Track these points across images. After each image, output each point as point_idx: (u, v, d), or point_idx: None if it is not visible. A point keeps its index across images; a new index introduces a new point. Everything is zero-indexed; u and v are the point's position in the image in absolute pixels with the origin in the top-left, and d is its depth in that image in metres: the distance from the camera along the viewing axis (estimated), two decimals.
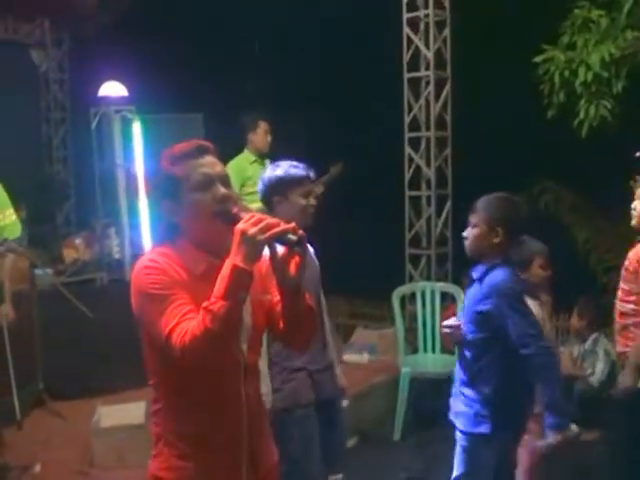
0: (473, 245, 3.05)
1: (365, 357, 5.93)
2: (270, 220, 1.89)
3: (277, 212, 3.15)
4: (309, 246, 3.28)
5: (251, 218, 1.88)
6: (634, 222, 3.42)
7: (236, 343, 2.02)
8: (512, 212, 3.01)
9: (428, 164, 6.01)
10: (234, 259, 1.85)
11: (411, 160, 6.08)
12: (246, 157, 5.74)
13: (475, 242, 3.04)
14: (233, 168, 5.71)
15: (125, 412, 4.14)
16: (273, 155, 5.95)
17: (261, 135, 5.72)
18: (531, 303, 3.47)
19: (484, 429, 2.99)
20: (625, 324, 3.43)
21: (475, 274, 3.05)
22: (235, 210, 1.99)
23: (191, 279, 2.00)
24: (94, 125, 5.98)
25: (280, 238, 1.90)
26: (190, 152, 2.05)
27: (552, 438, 2.89)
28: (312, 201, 3.19)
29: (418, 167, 6.05)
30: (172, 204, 2.04)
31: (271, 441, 2.27)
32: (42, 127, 8.47)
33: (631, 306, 3.39)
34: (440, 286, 5.53)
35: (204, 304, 1.86)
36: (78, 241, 6.53)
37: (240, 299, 1.87)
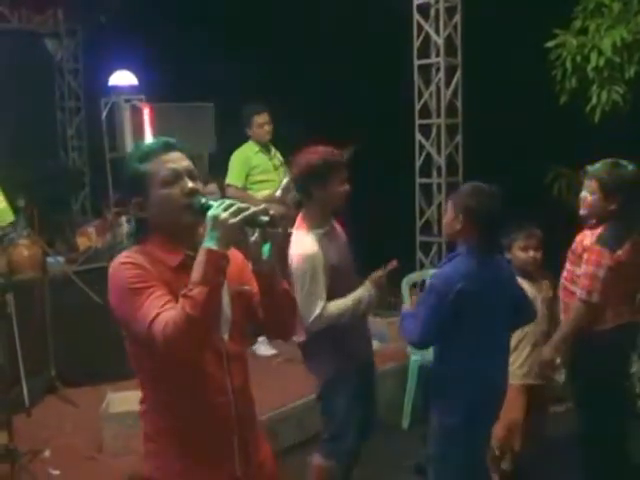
0: (445, 232, 3.18)
1: (375, 344, 5.91)
2: (240, 204, 1.92)
3: (315, 198, 3.22)
4: (339, 228, 3.42)
5: (221, 204, 1.92)
6: (582, 212, 3.50)
7: (216, 334, 2.04)
8: (476, 202, 3.01)
9: (439, 151, 5.99)
10: (208, 244, 1.88)
11: (422, 147, 6.06)
12: (250, 147, 5.77)
13: (445, 229, 3.24)
14: (238, 158, 5.74)
15: (134, 399, 4.15)
16: (282, 142, 5.97)
17: (256, 129, 5.74)
18: (522, 281, 3.56)
19: None
20: (569, 303, 3.51)
21: (440, 263, 3.25)
22: (203, 201, 2.01)
23: (168, 272, 2.02)
24: (104, 114, 6.00)
25: (252, 220, 1.93)
26: (157, 149, 2.09)
27: None
28: (347, 187, 3.23)
29: (429, 154, 6.03)
30: (142, 200, 2.07)
31: (262, 432, 2.28)
32: (57, 116, 8.54)
33: (576, 287, 3.46)
34: None
35: (182, 291, 1.88)
36: (91, 229, 6.57)
37: (218, 283, 1.90)
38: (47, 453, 4.05)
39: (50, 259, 5.28)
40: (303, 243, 3.18)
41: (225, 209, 1.90)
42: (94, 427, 4.13)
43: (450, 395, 3.12)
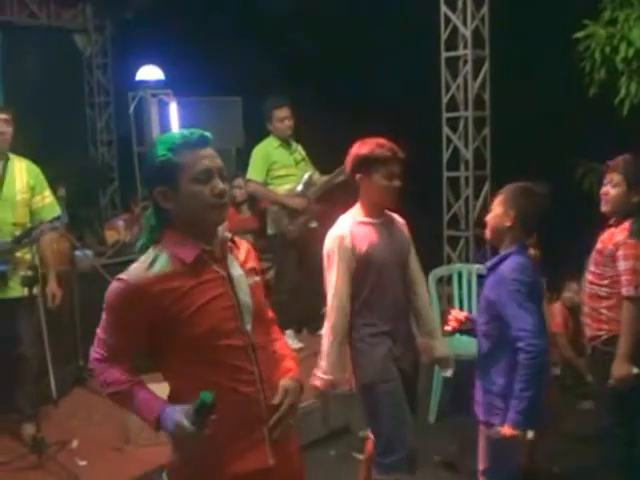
0: (489, 228, 3.06)
1: None
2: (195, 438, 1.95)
3: (361, 190, 3.19)
4: (399, 220, 3.34)
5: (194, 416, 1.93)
6: (605, 208, 3.41)
7: (238, 326, 2.07)
8: (529, 202, 2.95)
9: (466, 144, 5.94)
10: (163, 417, 2.00)
11: (449, 141, 6.02)
12: (270, 142, 5.77)
13: (490, 225, 3.05)
14: (258, 153, 5.75)
15: (160, 390, 4.19)
16: (306, 138, 5.97)
17: (277, 124, 5.74)
18: None
19: (496, 420, 2.96)
20: (596, 307, 3.41)
21: (489, 263, 3.06)
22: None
23: (183, 268, 2.03)
24: (132, 109, 6.05)
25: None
26: (192, 141, 2.05)
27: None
28: (396, 183, 3.15)
29: (456, 148, 5.99)
30: (168, 191, 2.05)
31: (293, 425, 2.24)
32: (86, 112, 8.62)
33: (605, 289, 3.36)
34: (477, 268, 5.46)
35: (123, 379, 2.07)
36: (119, 223, 6.64)
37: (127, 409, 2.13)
38: (75, 444, 4.10)
39: (78, 253, 5.34)
40: (337, 227, 3.19)
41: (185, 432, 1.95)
42: (121, 418, 4.16)
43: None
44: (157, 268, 2.03)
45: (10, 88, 7.40)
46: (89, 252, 5.59)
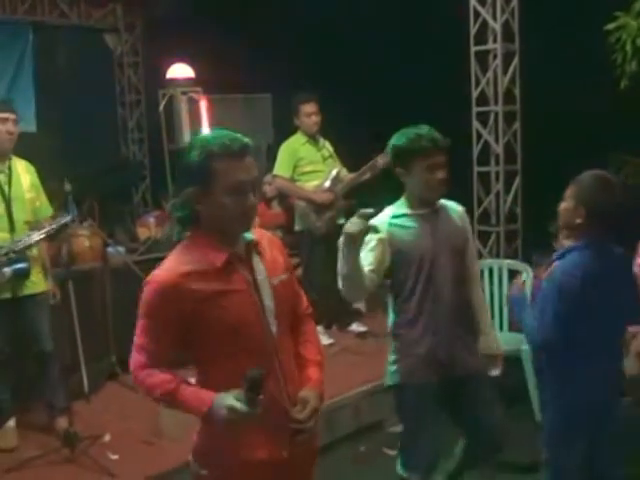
0: (561, 220, 2.94)
1: None
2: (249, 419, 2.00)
3: (403, 181, 3.07)
4: (456, 208, 3.21)
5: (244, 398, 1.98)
6: None
7: (262, 329, 2.13)
8: (602, 197, 2.80)
9: (497, 139, 5.90)
10: (216, 404, 2.02)
11: (479, 135, 5.98)
12: (297, 139, 5.78)
13: (562, 217, 2.93)
14: (285, 150, 5.76)
15: None
16: (335, 134, 5.96)
17: (303, 119, 5.74)
18: None
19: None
20: None
21: (555, 255, 2.94)
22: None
23: (213, 271, 2.08)
24: (161, 107, 6.09)
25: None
26: (232, 151, 2.05)
27: None
28: (440, 174, 2.98)
29: (486, 142, 5.95)
30: (201, 193, 2.07)
31: (315, 426, 2.27)
32: (117, 110, 8.70)
33: None
34: (508, 264, 5.42)
35: (173, 381, 2.10)
36: (151, 220, 6.71)
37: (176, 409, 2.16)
38: (107, 438, 4.14)
39: (110, 249, 5.40)
40: (378, 218, 3.03)
41: (234, 414, 1.99)
42: (153, 413, 4.19)
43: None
44: (188, 266, 2.07)
45: (42, 87, 7.50)
46: (121, 249, 5.65)
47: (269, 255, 2.20)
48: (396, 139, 3.05)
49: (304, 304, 2.38)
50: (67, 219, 4.13)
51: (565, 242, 3.71)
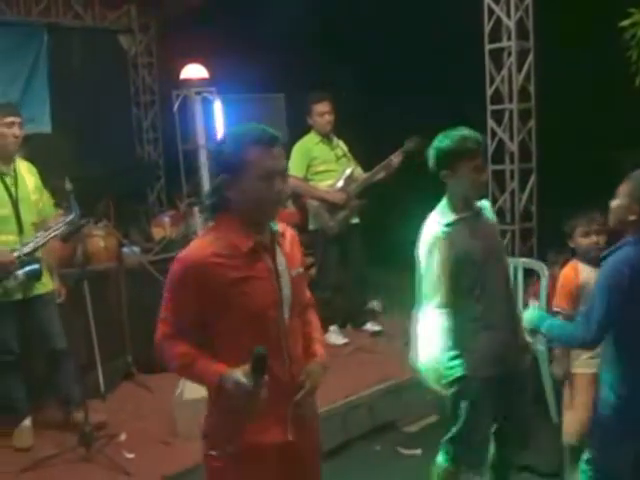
0: (614, 217, 2.96)
1: None
2: (253, 397, 2.10)
3: (447, 184, 3.09)
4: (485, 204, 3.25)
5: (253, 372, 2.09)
6: None
7: (277, 315, 2.26)
8: None
9: (511, 137, 5.86)
10: (224, 378, 2.13)
11: (494, 133, 5.95)
12: (311, 138, 5.79)
13: (615, 214, 2.95)
14: (299, 150, 5.77)
15: (196, 391, 4.23)
16: (349, 133, 5.96)
17: (316, 118, 5.75)
18: (589, 270, 3.51)
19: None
20: None
21: (605, 252, 2.99)
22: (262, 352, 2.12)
23: (238, 256, 2.20)
24: (176, 107, 6.11)
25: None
26: (262, 140, 2.19)
27: None
28: (485, 177, 3.13)
29: (501, 140, 5.92)
30: (232, 180, 2.21)
31: (314, 403, 2.45)
32: (132, 110, 8.73)
33: None
34: (524, 262, 5.39)
35: (188, 357, 2.21)
36: (166, 220, 6.74)
37: (192, 379, 2.31)
38: (123, 437, 4.16)
39: (126, 249, 5.42)
40: (431, 231, 3.07)
41: (240, 396, 2.11)
42: (169, 412, 4.22)
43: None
44: (215, 249, 2.20)
45: (57, 88, 7.54)
46: (136, 249, 5.67)
47: (289, 248, 2.33)
48: (439, 142, 3.07)
49: (308, 295, 2.55)
50: (70, 217, 4.13)
51: (582, 241, 3.70)
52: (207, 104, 6.15)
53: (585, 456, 3.19)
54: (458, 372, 3.13)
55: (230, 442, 2.25)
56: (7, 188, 4.11)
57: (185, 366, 2.22)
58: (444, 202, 3.16)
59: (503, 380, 3.10)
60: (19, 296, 4.10)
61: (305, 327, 2.47)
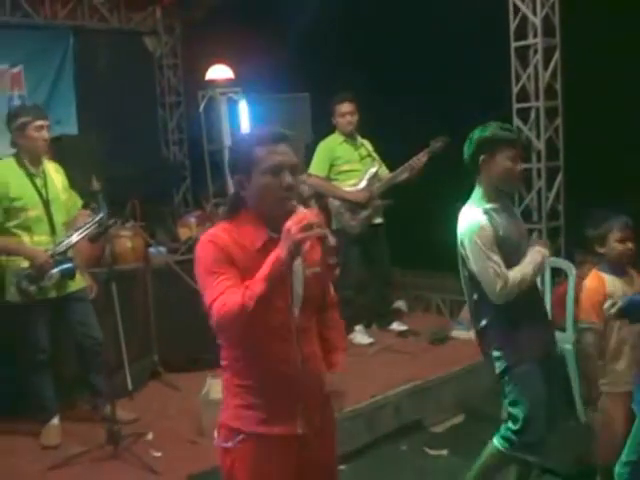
0: None
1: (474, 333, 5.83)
2: (312, 220, 2.10)
3: (483, 172, 3.18)
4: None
5: (298, 218, 2.11)
6: None
7: (288, 311, 2.28)
8: None
9: (538, 135, 5.82)
10: (279, 251, 2.10)
11: (520, 132, 5.89)
12: (335, 138, 5.81)
13: None
14: (322, 149, 5.79)
15: (214, 386, 4.25)
16: (373, 132, 5.94)
17: (339, 118, 5.77)
18: (614, 279, 3.45)
19: None
20: None
21: None
22: (293, 204, 2.20)
23: (249, 253, 2.23)
24: (201, 108, 6.14)
25: (320, 239, 2.17)
26: (268, 138, 2.27)
27: None
28: (520, 166, 3.17)
29: (528, 139, 5.87)
30: (244, 179, 2.28)
31: (327, 399, 2.45)
32: (158, 111, 8.78)
33: None
34: (551, 262, 5.33)
35: (247, 282, 2.13)
36: (192, 220, 6.75)
37: (274, 285, 2.11)
38: (150, 436, 4.19)
39: (152, 249, 5.46)
40: (471, 217, 3.17)
41: (297, 223, 2.09)
42: (195, 411, 4.24)
43: None
44: (235, 236, 2.24)
45: (83, 90, 7.61)
46: (162, 249, 5.71)
47: (308, 246, 2.27)
48: (481, 130, 3.19)
49: (331, 294, 2.58)
50: (99, 217, 4.19)
51: (617, 247, 3.57)
52: (232, 104, 6.17)
53: (623, 459, 3.15)
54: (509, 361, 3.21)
55: (242, 435, 2.29)
56: (38, 189, 4.18)
57: (250, 295, 2.09)
58: (477, 193, 3.24)
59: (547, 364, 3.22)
60: (53, 294, 4.18)
61: (327, 331, 2.52)
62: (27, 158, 4.19)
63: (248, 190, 2.27)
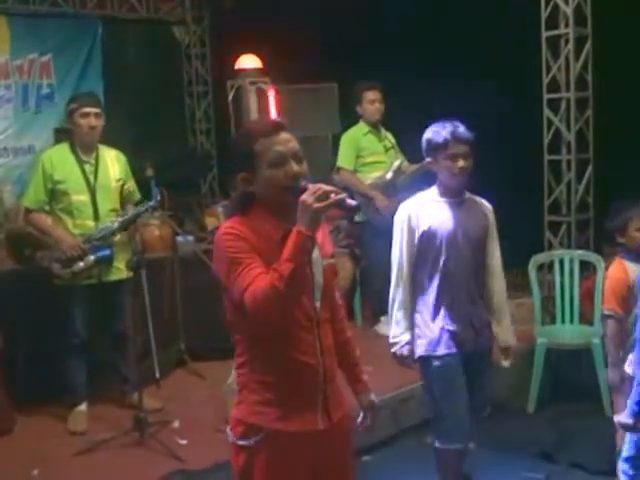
0: None
1: None
2: (327, 189, 2.08)
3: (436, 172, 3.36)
4: (484, 204, 3.47)
5: (312, 190, 2.08)
6: None
7: (309, 301, 2.26)
8: None
9: (568, 127, 5.74)
10: (298, 226, 2.08)
11: (550, 123, 5.83)
12: (360, 128, 5.77)
13: None
14: (347, 140, 5.75)
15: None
16: (399, 123, 5.90)
17: (366, 106, 5.71)
18: (636, 267, 3.45)
19: None
20: None
21: None
22: (303, 184, 2.15)
23: (270, 244, 2.18)
24: (230, 97, 6.15)
25: (338, 205, 2.10)
26: (267, 129, 2.25)
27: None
28: (460, 163, 3.25)
29: (557, 130, 5.80)
30: (249, 176, 2.24)
31: (343, 391, 2.44)
32: (185, 101, 8.80)
33: None
34: (579, 254, 5.29)
35: (274, 265, 2.08)
36: (219, 209, 6.77)
37: (302, 261, 2.08)
38: (176, 424, 4.22)
39: (180, 238, 5.48)
40: (407, 202, 3.43)
41: (313, 194, 2.06)
42: (221, 400, 4.25)
43: None
44: (253, 230, 2.19)
45: (111, 80, 7.64)
46: (190, 238, 5.73)
47: (321, 238, 2.31)
48: (426, 132, 3.35)
49: (338, 293, 2.53)
50: (151, 204, 4.33)
51: (637, 236, 3.57)
52: (261, 94, 6.17)
53: (624, 454, 3.15)
54: (416, 352, 3.40)
55: (258, 431, 2.24)
56: (86, 176, 4.30)
57: (280, 277, 2.05)
58: (434, 185, 3.42)
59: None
60: (93, 280, 4.23)
61: (340, 331, 2.47)
62: (78, 144, 4.34)
63: (256, 186, 2.23)
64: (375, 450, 4.25)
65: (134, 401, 4.22)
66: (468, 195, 3.44)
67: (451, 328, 3.31)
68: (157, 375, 4.54)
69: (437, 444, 3.44)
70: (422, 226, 3.31)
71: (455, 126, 3.27)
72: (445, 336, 3.31)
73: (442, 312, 3.32)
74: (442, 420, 3.37)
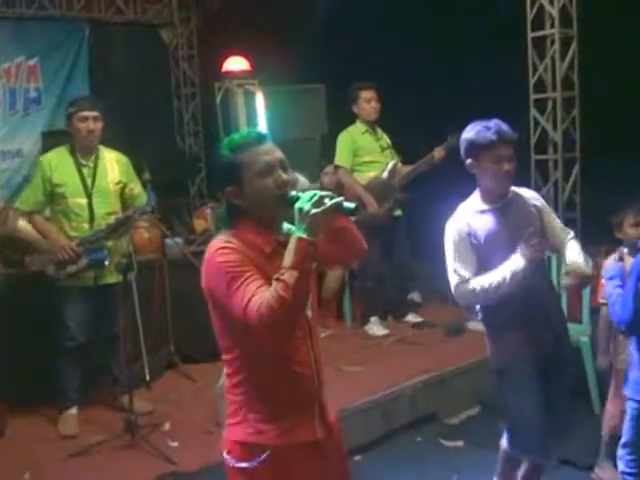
0: None
1: None
2: (323, 194, 2.05)
3: (477, 176, 3.15)
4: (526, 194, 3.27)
5: (307, 196, 2.06)
6: None
7: (303, 312, 2.19)
8: None
9: (555, 126, 5.79)
10: (298, 233, 2.03)
11: (537, 123, 5.88)
12: (357, 128, 5.79)
13: None
14: (344, 139, 5.77)
15: None
16: (392, 125, 5.93)
17: (363, 105, 5.73)
18: (632, 260, 3.39)
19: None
20: None
21: None
22: (293, 193, 2.13)
23: (262, 257, 2.16)
24: (218, 99, 6.15)
25: (335, 209, 2.07)
26: (250, 140, 2.21)
27: None
28: (506, 166, 3.05)
29: (544, 130, 5.85)
30: (236, 190, 2.19)
31: (330, 397, 2.40)
32: (173, 103, 8.78)
33: None
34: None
35: (276, 275, 2.02)
36: (207, 212, 6.77)
37: (306, 268, 2.03)
38: (167, 426, 4.22)
39: (169, 241, 5.48)
40: (456, 215, 3.18)
41: (309, 200, 2.04)
42: (211, 402, 4.25)
43: None
44: (244, 244, 2.14)
45: (99, 83, 7.62)
46: (179, 240, 5.73)
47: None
48: (466, 133, 3.15)
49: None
50: (143, 208, 4.35)
51: (631, 231, 3.64)
52: (249, 96, 6.17)
53: (622, 440, 3.23)
54: (491, 364, 3.23)
55: (258, 448, 2.18)
56: (83, 179, 4.31)
57: (284, 287, 1.99)
58: (475, 192, 3.21)
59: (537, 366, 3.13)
60: (89, 283, 4.23)
61: None
62: (78, 147, 4.35)
63: (243, 199, 2.18)
64: (366, 450, 4.27)
65: (124, 404, 4.22)
66: (512, 192, 3.20)
67: (528, 337, 3.11)
68: (147, 377, 4.54)
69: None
70: (479, 241, 3.10)
71: (499, 125, 3.06)
72: (519, 345, 3.11)
73: (514, 322, 3.10)
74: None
